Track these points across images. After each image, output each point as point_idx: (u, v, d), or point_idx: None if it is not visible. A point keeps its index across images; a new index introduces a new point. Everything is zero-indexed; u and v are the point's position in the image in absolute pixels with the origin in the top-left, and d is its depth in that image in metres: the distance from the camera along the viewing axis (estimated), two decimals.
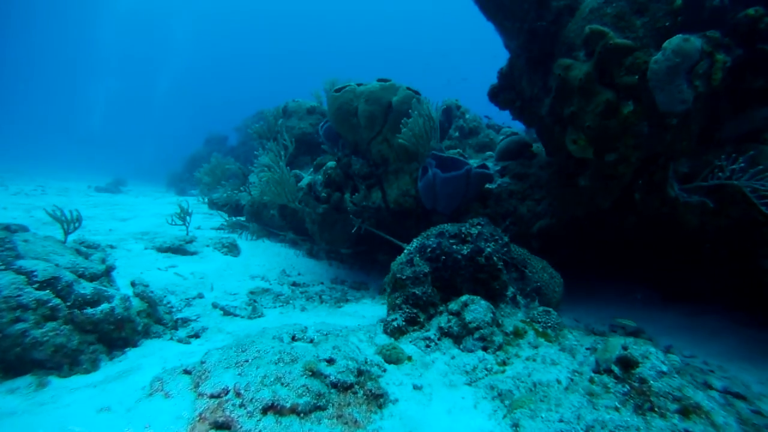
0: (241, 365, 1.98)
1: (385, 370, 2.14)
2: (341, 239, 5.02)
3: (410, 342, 2.49)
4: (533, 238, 4.47)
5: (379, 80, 4.82)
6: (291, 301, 4.47)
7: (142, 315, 3.18)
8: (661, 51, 2.45)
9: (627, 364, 1.99)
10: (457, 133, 8.31)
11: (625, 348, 2.04)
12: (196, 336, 3.43)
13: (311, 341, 2.45)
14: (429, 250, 2.74)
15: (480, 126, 8.74)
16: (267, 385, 1.80)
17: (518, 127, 8.94)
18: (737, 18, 2.44)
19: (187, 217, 5.72)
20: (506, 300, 2.75)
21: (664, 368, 1.93)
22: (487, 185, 4.64)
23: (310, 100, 8.67)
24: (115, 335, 2.90)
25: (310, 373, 1.87)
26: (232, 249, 5.86)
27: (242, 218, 7.89)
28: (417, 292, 2.61)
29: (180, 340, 3.25)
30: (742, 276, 3.33)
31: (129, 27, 60.94)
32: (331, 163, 4.67)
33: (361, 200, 4.56)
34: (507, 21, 3.37)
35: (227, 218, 7.63)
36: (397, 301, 2.63)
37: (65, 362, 2.62)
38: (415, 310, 2.58)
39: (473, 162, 4.97)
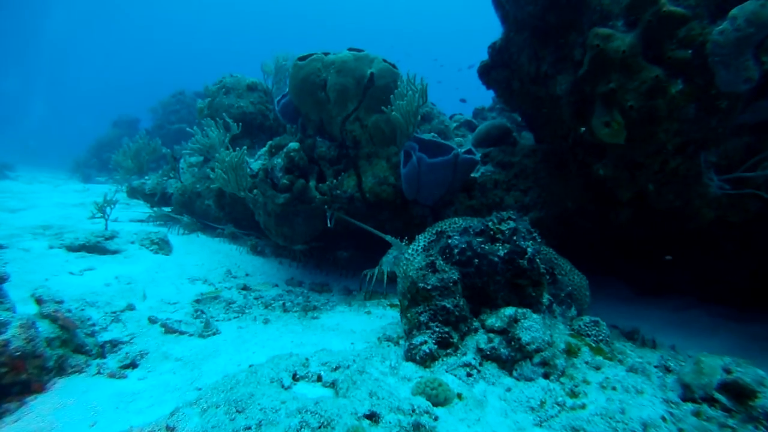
0: None
1: (437, 418, 1.56)
2: (303, 234, 4.31)
3: (446, 371, 1.93)
4: None
5: (351, 50, 4.15)
6: (247, 311, 3.70)
7: (54, 344, 2.28)
8: (728, 20, 2.13)
9: (739, 393, 1.61)
10: None
11: (728, 371, 1.66)
12: (133, 366, 2.58)
13: (318, 378, 1.80)
14: (457, 251, 2.20)
15: (432, 112, 8.37)
16: None
17: (467, 113, 8.69)
18: None
19: (108, 208, 4.61)
20: (542, 309, 2.30)
21: None
22: (471, 173, 4.21)
23: (250, 75, 7.69)
24: (9, 380, 2.00)
25: None
26: (163, 246, 4.86)
27: (168, 209, 6.76)
28: (448, 306, 2.05)
29: (112, 375, 2.40)
30: (753, 270, 3.22)
31: None
32: (294, 145, 3.93)
33: (333, 189, 3.89)
34: None
35: (153, 209, 6.46)
36: (422, 318, 2.06)
37: None
38: (446, 329, 2.03)
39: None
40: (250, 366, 1.80)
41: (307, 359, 1.87)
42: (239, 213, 6.08)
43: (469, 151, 4.03)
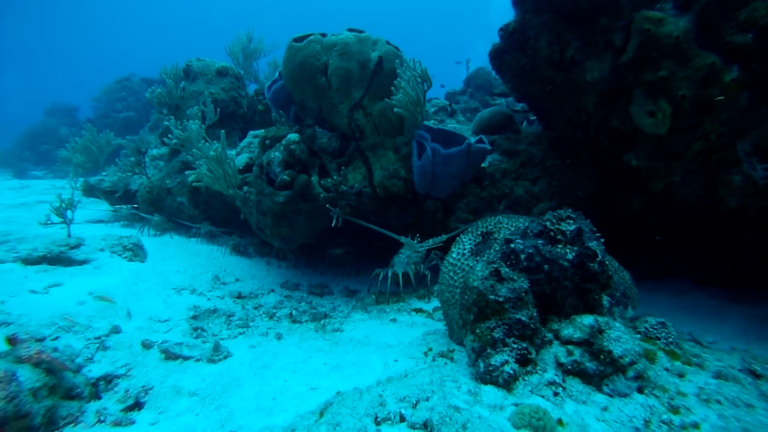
0: None
1: None
2: (303, 234, 3.95)
3: (531, 392, 1.72)
4: None
5: (351, 30, 3.79)
6: (251, 324, 3.33)
7: (41, 394, 1.85)
8: None
9: None
10: None
11: None
12: (139, 406, 2.18)
13: (401, 418, 1.53)
14: (524, 257, 1.98)
15: None
16: None
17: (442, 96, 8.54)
18: None
19: (69, 212, 4.01)
20: (604, 312, 2.15)
21: None
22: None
23: (218, 59, 7.08)
24: None
25: None
26: (138, 252, 4.32)
27: (130, 206, 6.10)
28: (523, 319, 1.84)
29: (116, 423, 2.00)
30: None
31: None
32: (294, 136, 3.55)
33: (338, 184, 3.56)
34: None
35: (114, 207, 5.80)
36: (496, 334, 1.83)
37: None
38: (524, 344, 1.82)
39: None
40: (322, 413, 1.50)
41: (380, 395, 1.59)
42: (216, 210, 5.59)
43: (480, 140, 3.82)
